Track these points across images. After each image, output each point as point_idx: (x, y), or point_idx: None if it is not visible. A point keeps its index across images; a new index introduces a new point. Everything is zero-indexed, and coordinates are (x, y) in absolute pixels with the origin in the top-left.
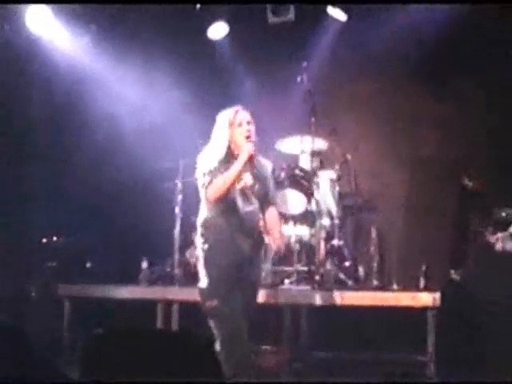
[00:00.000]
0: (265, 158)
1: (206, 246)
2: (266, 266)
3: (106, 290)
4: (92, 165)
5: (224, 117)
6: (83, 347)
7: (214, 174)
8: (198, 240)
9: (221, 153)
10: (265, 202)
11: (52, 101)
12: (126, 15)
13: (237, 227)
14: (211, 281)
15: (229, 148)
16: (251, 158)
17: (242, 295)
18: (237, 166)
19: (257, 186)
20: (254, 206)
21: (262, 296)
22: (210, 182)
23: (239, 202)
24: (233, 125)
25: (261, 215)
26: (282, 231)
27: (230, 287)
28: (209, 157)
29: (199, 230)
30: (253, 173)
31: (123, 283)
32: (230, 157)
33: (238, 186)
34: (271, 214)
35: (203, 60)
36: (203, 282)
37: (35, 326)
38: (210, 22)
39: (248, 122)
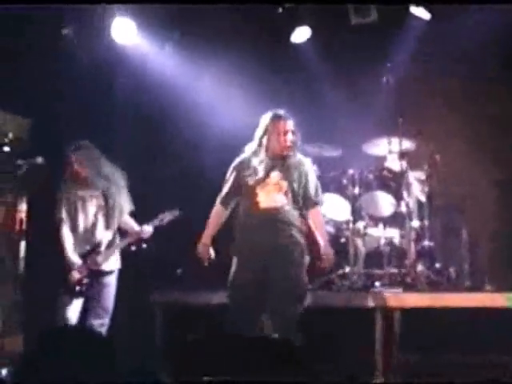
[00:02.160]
0: (304, 156)
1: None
2: (357, 269)
3: (198, 295)
4: (181, 170)
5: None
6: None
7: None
8: None
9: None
10: (306, 202)
11: (136, 107)
12: (208, 21)
13: (256, 225)
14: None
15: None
16: None
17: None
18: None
19: (291, 185)
20: (277, 203)
21: (353, 299)
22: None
23: (261, 199)
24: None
25: (295, 214)
26: (326, 245)
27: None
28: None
29: None
30: (283, 171)
31: (214, 289)
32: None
33: (263, 185)
34: (314, 215)
35: (287, 64)
36: None
37: (129, 333)
38: (292, 26)
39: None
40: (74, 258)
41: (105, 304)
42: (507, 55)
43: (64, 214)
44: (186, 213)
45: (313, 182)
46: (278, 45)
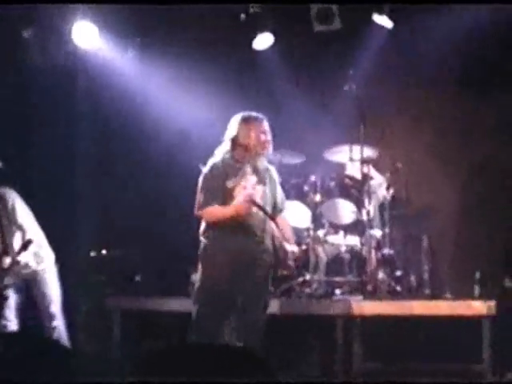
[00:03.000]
0: (270, 164)
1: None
2: (318, 276)
3: (156, 302)
4: (140, 176)
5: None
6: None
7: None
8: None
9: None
10: (274, 208)
11: (98, 113)
12: (171, 28)
13: (231, 230)
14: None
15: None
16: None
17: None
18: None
19: (265, 190)
20: (254, 209)
21: (313, 306)
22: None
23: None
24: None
25: (268, 220)
26: (290, 249)
27: (223, 290)
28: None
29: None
30: (257, 175)
31: (173, 296)
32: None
33: (239, 188)
34: (282, 221)
35: (249, 71)
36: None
37: (85, 339)
38: (255, 33)
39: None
40: None
41: (43, 303)
42: (466, 64)
43: None
44: (145, 220)
45: (279, 189)
46: (240, 51)
